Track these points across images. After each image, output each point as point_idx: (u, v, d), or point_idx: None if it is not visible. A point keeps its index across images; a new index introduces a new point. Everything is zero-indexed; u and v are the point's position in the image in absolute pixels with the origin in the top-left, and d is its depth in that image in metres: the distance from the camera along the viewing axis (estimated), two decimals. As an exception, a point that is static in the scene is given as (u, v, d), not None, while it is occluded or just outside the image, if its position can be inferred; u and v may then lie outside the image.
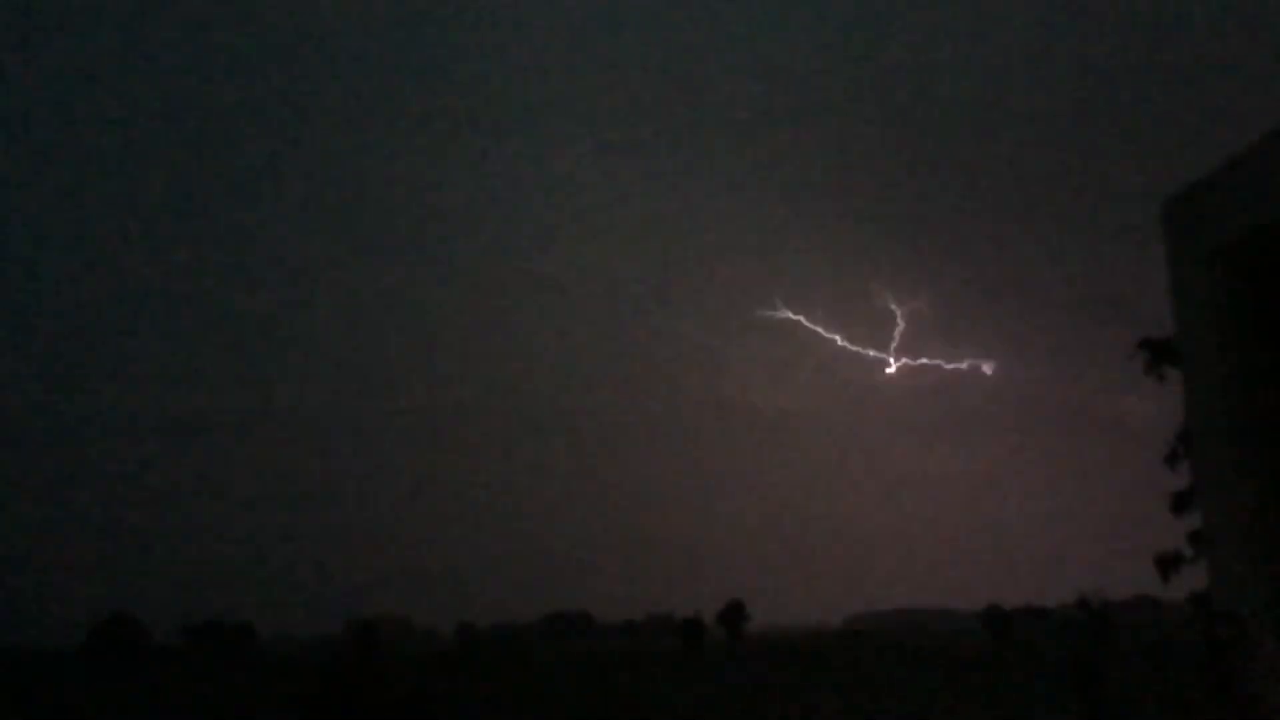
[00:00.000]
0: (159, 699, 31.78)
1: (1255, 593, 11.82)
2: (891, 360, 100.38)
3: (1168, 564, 12.75)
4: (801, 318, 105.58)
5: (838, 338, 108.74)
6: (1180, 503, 12.11)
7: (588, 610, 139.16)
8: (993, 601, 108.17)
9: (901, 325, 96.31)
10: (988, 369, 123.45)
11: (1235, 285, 11.66)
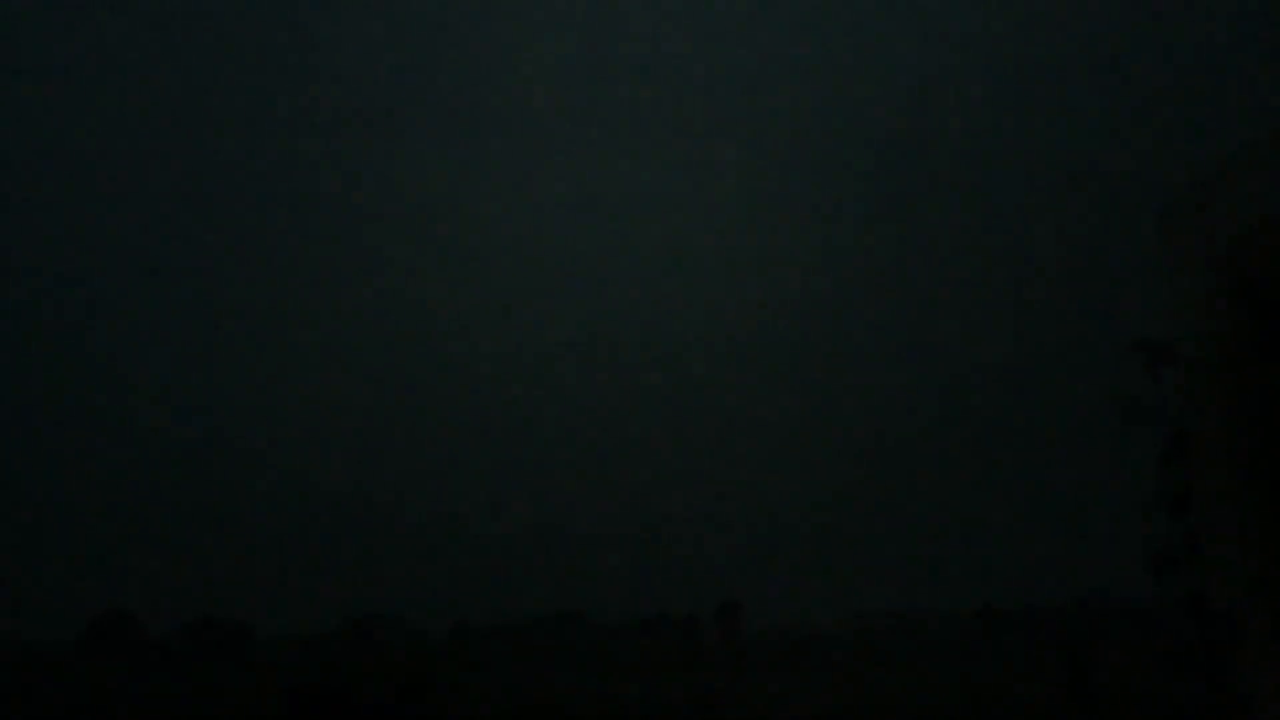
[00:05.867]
0: (156, 693, 31.79)
1: (1250, 592, 11.86)
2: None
3: (1163, 564, 12.73)
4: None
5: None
6: (1177, 503, 12.09)
7: (582, 610, 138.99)
8: (988, 602, 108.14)
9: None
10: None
11: (1232, 288, 11.67)
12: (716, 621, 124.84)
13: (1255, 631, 11.20)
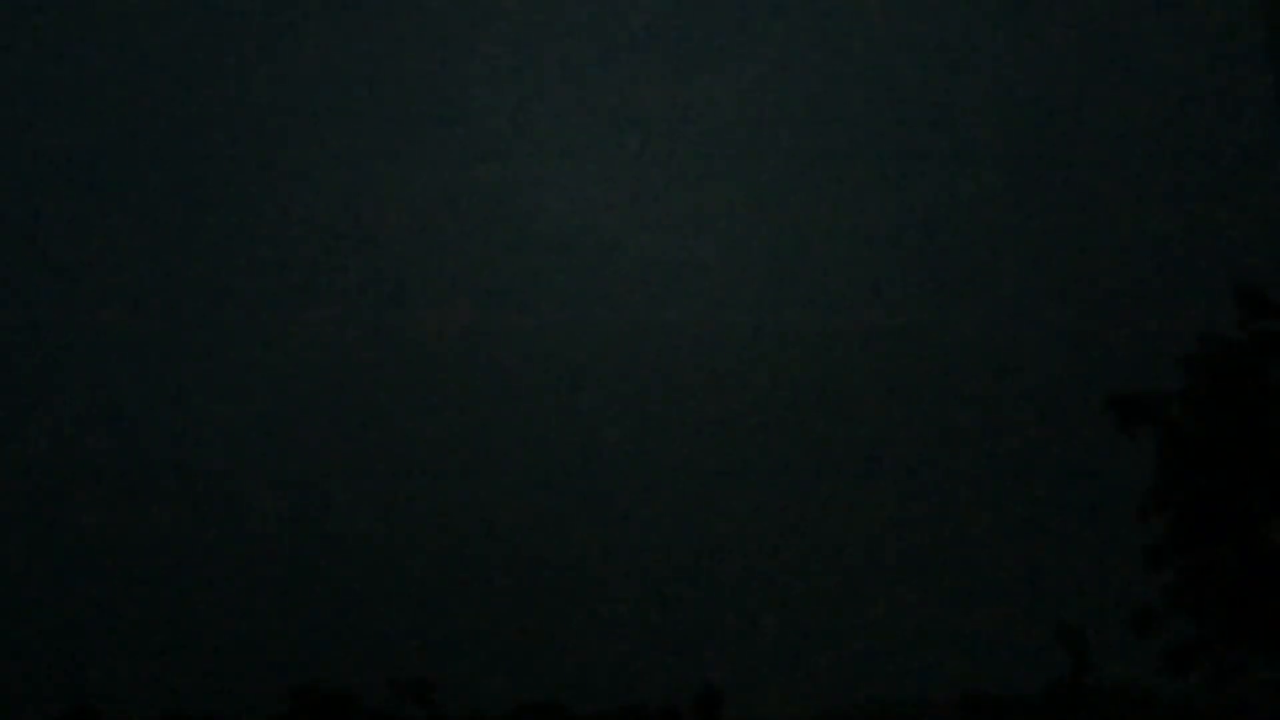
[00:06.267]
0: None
1: (1249, 592, 11.83)
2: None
3: (1143, 623, 12.69)
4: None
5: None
6: (1154, 559, 12.18)
7: (561, 701, 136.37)
8: (970, 689, 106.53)
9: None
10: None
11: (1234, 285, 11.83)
12: (694, 711, 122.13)
13: (1254, 630, 11.26)
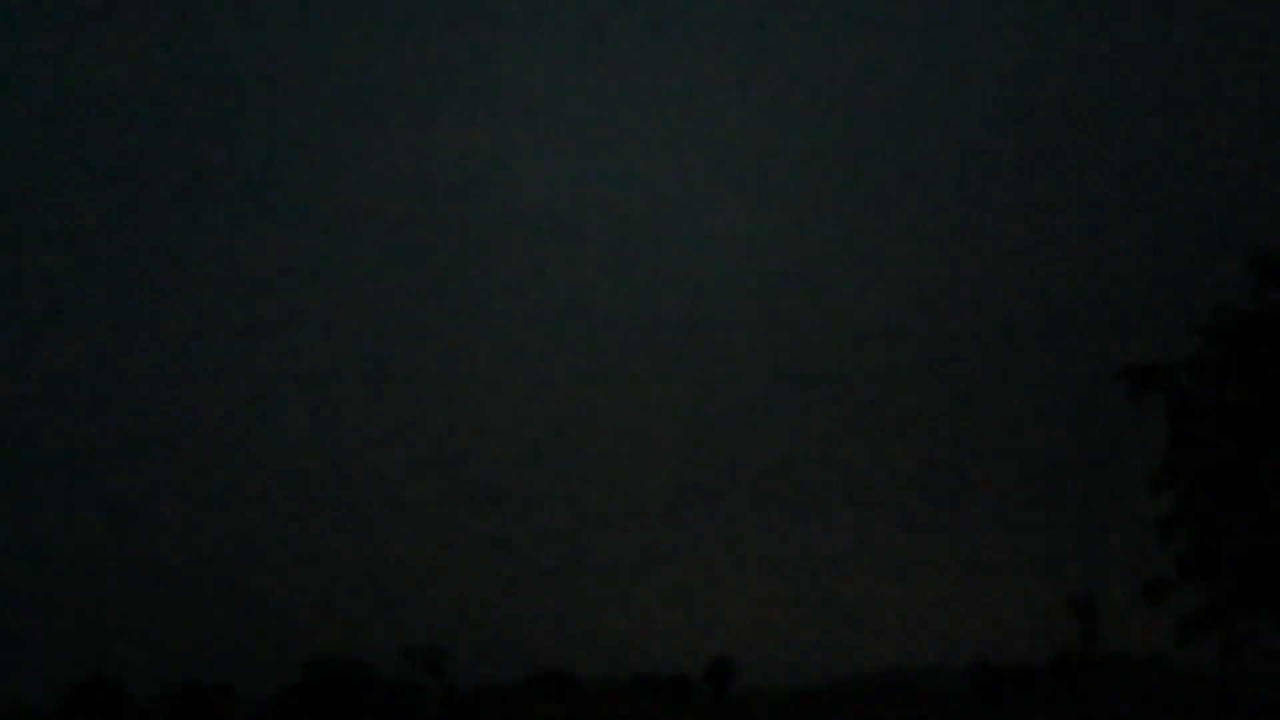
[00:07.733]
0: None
1: (1257, 558, 11.92)
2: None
3: (1155, 593, 12.74)
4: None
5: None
6: (1166, 528, 12.16)
7: (572, 670, 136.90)
8: (979, 658, 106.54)
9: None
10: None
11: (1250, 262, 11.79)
12: (707, 680, 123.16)
13: (1266, 600, 11.25)
